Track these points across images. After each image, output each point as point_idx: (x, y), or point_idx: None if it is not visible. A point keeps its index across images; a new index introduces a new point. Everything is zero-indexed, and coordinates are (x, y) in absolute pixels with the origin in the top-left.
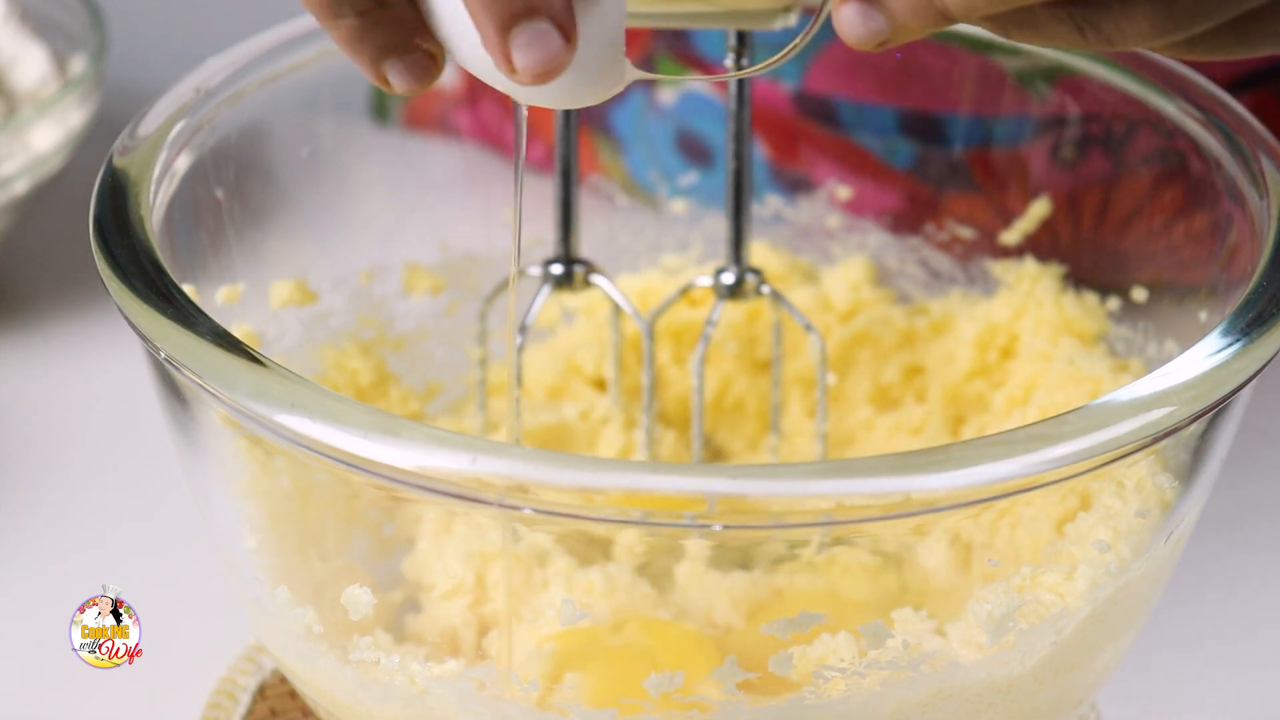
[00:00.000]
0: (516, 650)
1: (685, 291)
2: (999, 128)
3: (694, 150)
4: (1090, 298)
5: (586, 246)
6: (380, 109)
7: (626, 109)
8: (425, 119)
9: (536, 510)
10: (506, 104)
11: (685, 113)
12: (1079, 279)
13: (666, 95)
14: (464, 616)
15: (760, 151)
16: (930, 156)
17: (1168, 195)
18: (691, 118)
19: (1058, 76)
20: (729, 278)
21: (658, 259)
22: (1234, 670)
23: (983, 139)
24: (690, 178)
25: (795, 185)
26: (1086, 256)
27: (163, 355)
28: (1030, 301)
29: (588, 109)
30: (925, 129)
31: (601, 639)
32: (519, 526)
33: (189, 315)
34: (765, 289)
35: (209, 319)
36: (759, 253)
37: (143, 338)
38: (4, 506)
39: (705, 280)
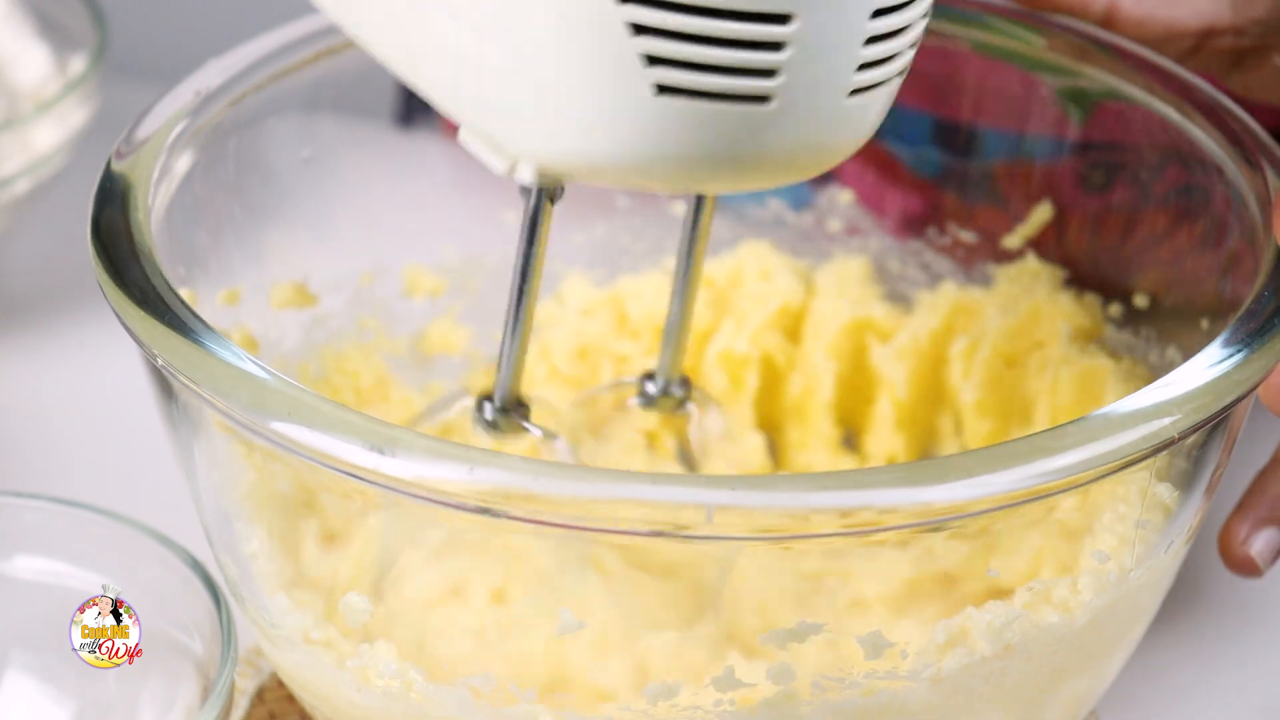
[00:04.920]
0: (514, 658)
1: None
2: (1030, 144)
3: None
4: (1089, 298)
5: (587, 248)
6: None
7: None
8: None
9: (534, 520)
10: None
11: None
12: (1081, 284)
13: None
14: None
15: None
16: (958, 167)
17: (1171, 201)
18: None
19: (1098, 101)
20: (653, 386)
21: (659, 260)
22: (1233, 676)
23: (1012, 154)
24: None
25: (817, 177)
26: (1088, 261)
27: (160, 362)
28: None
29: None
30: (958, 140)
31: (599, 647)
32: (516, 535)
33: (186, 322)
34: (690, 407)
35: (206, 326)
36: (760, 252)
37: (140, 344)
38: None
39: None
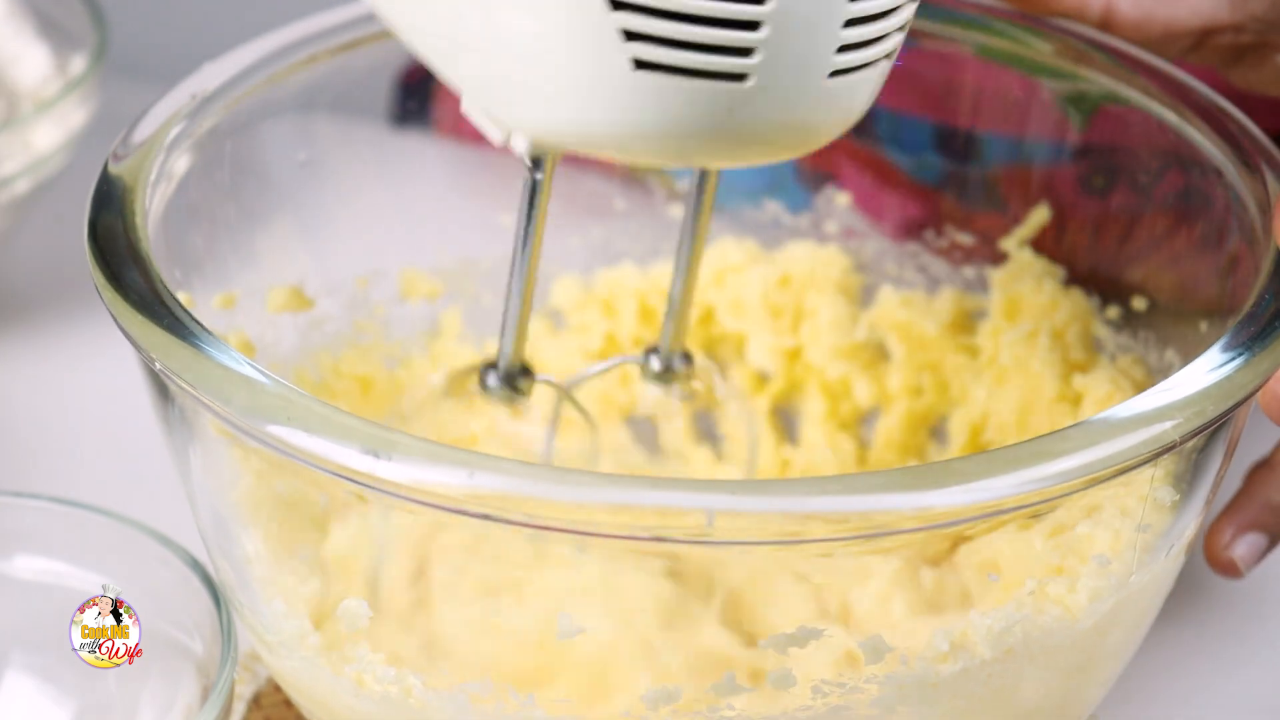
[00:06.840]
0: (514, 663)
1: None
2: (1030, 148)
3: None
4: (1087, 300)
5: (583, 251)
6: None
7: None
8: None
9: (533, 525)
10: None
11: None
12: (1080, 286)
13: None
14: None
15: None
16: (959, 174)
17: (1170, 203)
18: None
19: (1098, 106)
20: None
21: (656, 263)
22: (1232, 678)
23: (1013, 158)
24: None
25: (815, 182)
26: (1087, 264)
27: (157, 366)
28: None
29: None
30: (959, 146)
31: (599, 652)
32: (516, 539)
33: (183, 326)
34: (696, 384)
35: (204, 329)
36: (755, 254)
37: (137, 348)
38: None
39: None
